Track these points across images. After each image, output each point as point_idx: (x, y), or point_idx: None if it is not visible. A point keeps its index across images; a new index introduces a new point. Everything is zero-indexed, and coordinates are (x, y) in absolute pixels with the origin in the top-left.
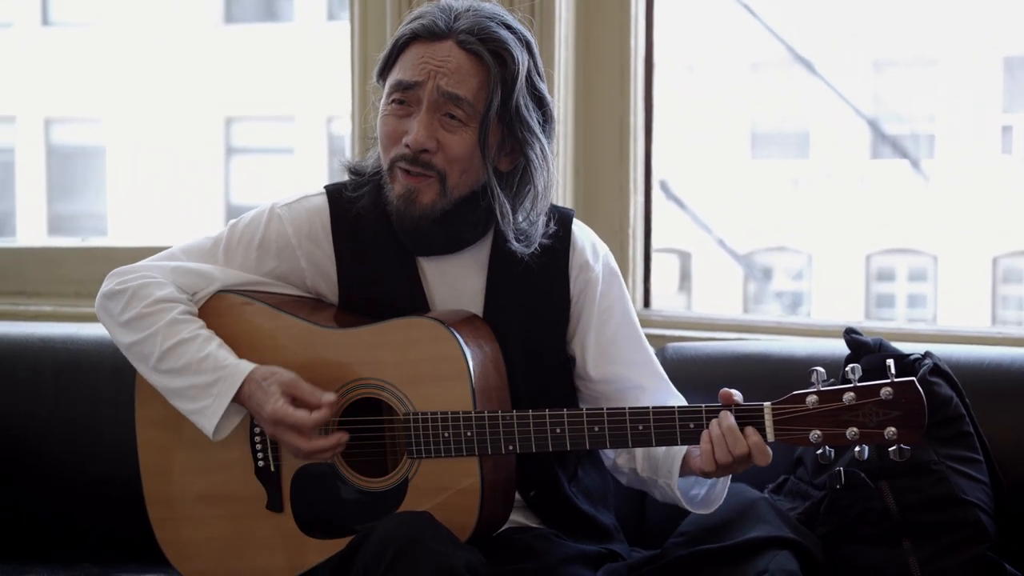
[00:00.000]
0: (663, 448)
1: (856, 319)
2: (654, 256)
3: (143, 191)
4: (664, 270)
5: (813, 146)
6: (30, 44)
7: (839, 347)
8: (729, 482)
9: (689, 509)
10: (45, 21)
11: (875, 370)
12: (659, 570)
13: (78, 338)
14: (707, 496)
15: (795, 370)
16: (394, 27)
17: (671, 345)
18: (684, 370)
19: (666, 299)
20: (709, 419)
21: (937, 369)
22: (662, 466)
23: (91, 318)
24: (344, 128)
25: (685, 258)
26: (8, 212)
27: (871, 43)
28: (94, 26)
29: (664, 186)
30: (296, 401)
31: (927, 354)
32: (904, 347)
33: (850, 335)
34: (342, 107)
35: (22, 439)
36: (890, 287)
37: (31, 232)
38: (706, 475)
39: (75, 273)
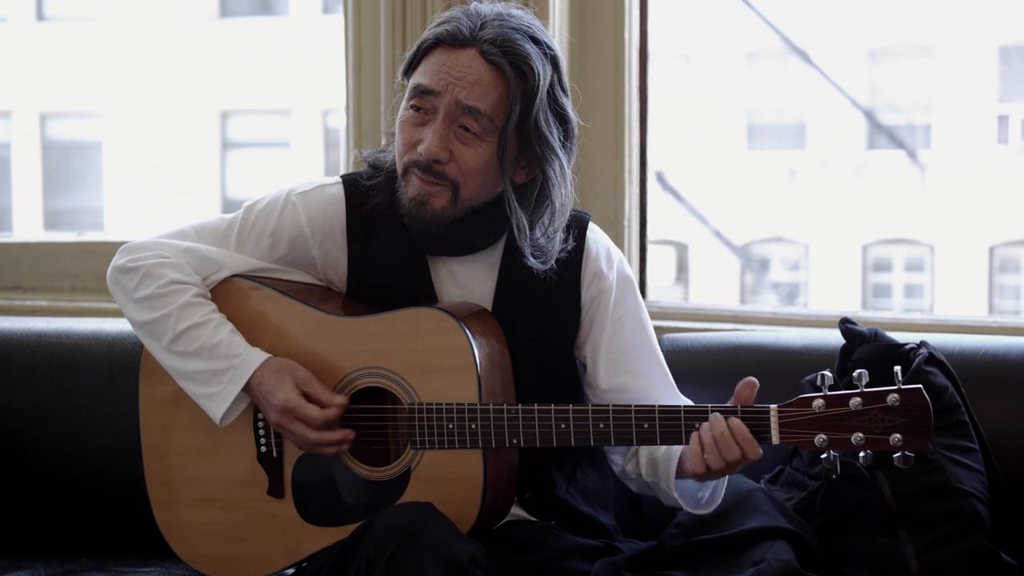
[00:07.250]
0: (662, 451)
1: (853, 309)
2: (651, 248)
3: (139, 185)
4: (661, 262)
5: (809, 137)
6: (25, 39)
7: (835, 337)
8: (727, 481)
9: (689, 510)
10: (40, 16)
11: (870, 359)
12: (656, 561)
13: (74, 332)
14: (710, 496)
15: (790, 360)
16: (389, 20)
17: (666, 336)
18: (679, 361)
19: (663, 291)
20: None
21: (932, 359)
22: (662, 470)
23: (87, 312)
24: (340, 121)
25: (682, 249)
26: (4, 207)
27: (867, 33)
28: (89, 21)
29: (660, 177)
30: (307, 397)
31: (922, 343)
32: (900, 337)
33: (845, 324)
34: (338, 100)
35: (18, 434)
36: (887, 277)
37: (27, 227)
38: (697, 477)
39: (71, 268)
